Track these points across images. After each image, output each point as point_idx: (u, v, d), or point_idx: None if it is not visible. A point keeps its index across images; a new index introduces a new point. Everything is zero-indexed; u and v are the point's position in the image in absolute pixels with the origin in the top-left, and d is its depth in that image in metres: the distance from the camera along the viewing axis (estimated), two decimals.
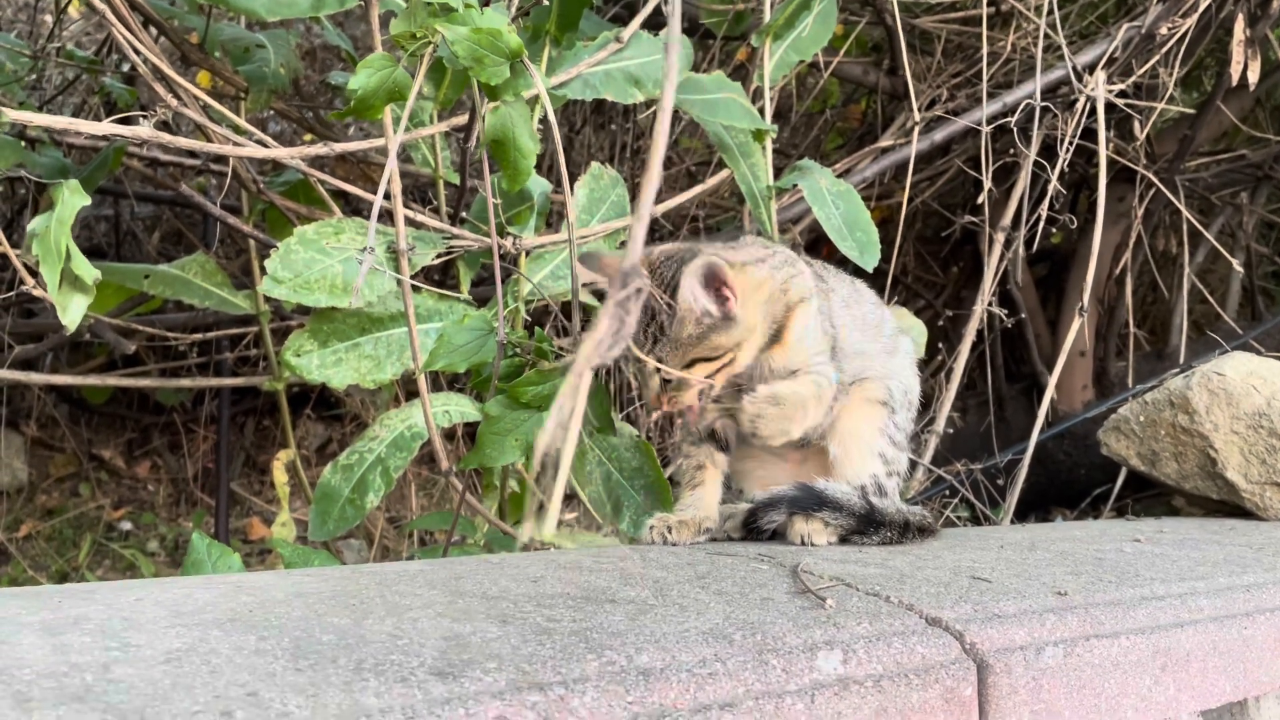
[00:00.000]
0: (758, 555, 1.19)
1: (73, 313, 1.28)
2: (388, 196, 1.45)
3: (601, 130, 3.62)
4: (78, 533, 3.61)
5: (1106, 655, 1.00)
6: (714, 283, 1.26)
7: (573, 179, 2.00)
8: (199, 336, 2.39)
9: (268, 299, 2.37)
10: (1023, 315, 3.65)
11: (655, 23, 1.99)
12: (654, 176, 0.64)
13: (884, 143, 2.99)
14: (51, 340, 2.53)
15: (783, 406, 1.30)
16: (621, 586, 0.99)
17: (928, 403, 2.84)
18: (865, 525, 1.33)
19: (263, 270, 1.68)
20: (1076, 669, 0.98)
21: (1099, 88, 2.51)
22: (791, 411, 1.31)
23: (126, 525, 3.70)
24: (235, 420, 3.96)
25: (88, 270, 1.25)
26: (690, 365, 1.28)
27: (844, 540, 1.32)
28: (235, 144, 1.52)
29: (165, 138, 1.36)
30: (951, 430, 3.08)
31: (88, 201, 1.23)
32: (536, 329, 1.44)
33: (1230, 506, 1.81)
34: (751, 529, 1.34)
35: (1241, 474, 1.75)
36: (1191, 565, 1.28)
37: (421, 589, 0.94)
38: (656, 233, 3.09)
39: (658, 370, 1.28)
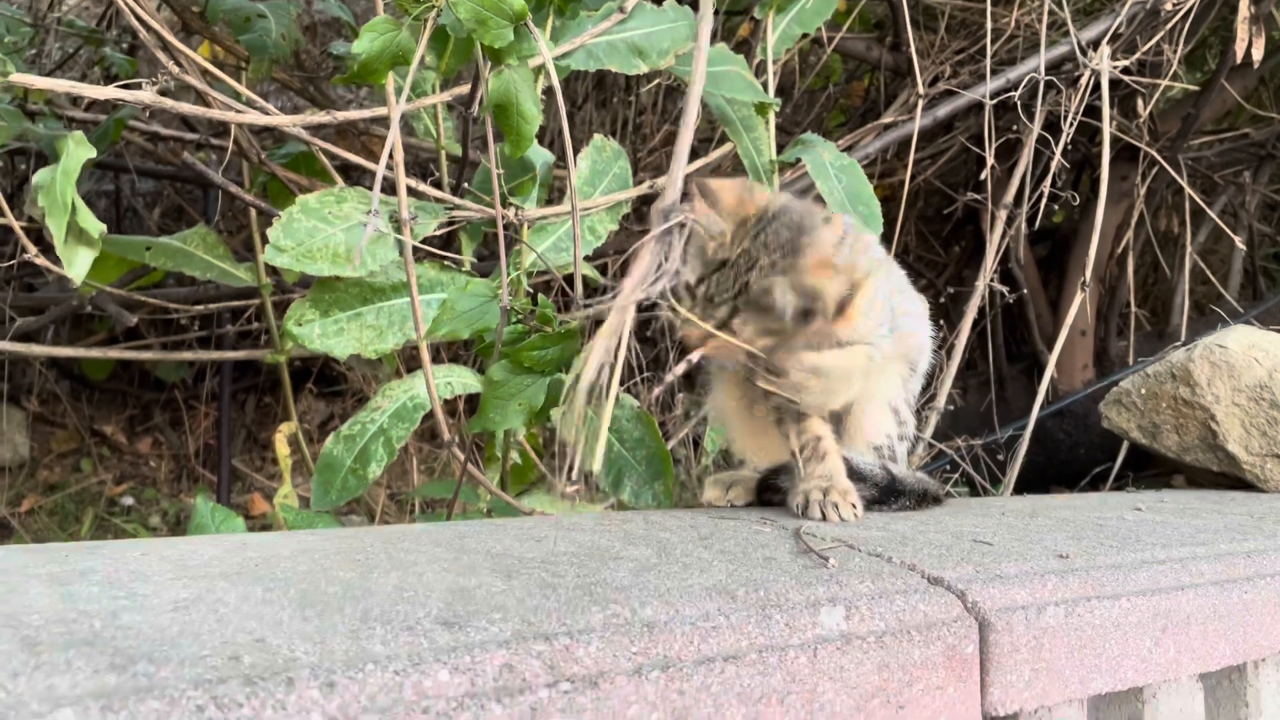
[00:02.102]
0: (760, 519, 1.19)
1: (79, 266, 1.27)
2: (390, 165, 1.45)
3: (603, 108, 3.60)
4: (79, 507, 3.62)
5: (1107, 616, 1.01)
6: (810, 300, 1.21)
7: (575, 153, 1.99)
8: (200, 309, 2.38)
9: (269, 270, 2.37)
10: (1024, 289, 3.64)
11: None
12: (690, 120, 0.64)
13: (887, 119, 2.99)
14: (53, 313, 2.53)
15: (827, 380, 1.26)
16: (625, 546, 0.99)
17: (929, 380, 2.85)
18: (886, 495, 1.34)
19: (264, 241, 1.68)
20: (1078, 629, 0.98)
21: (1103, 61, 2.50)
22: (836, 385, 1.28)
23: (128, 500, 3.71)
24: (236, 397, 3.96)
25: (93, 223, 1.25)
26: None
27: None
28: (236, 111, 1.52)
29: (167, 103, 1.36)
30: (952, 408, 3.08)
31: (93, 153, 1.22)
32: (540, 296, 1.43)
33: (1231, 479, 1.82)
34: (769, 488, 1.34)
35: (1242, 446, 1.76)
36: (1193, 532, 1.28)
37: (426, 547, 0.95)
38: (655, 196, 3.08)
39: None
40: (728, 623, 0.80)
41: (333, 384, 3.82)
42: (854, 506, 1.23)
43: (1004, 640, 0.92)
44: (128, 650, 0.63)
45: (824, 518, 1.20)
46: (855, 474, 1.32)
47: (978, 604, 0.93)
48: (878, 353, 1.32)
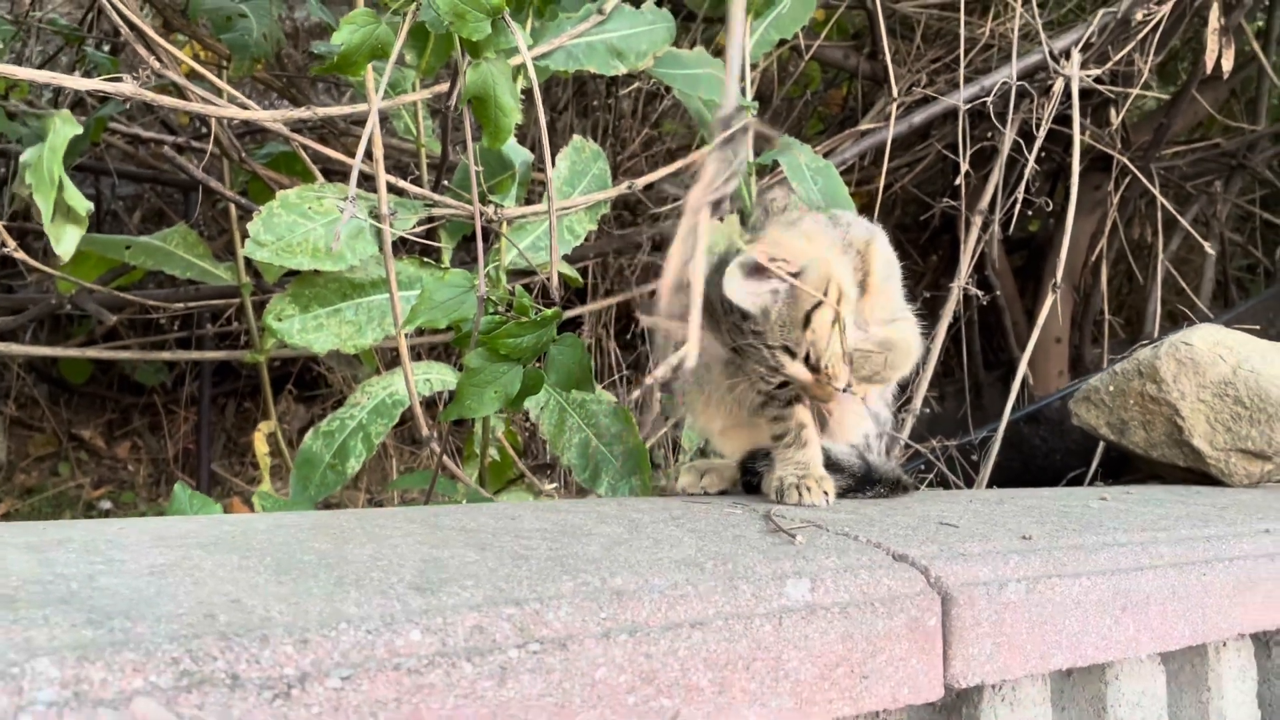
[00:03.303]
0: (732, 503, 1.21)
1: (66, 243, 1.29)
2: (370, 157, 1.47)
3: (584, 116, 3.64)
4: (57, 511, 3.60)
5: (1068, 594, 1.03)
6: (757, 274, 1.20)
7: (554, 154, 2.01)
8: (180, 306, 2.39)
9: (249, 271, 2.38)
10: (997, 292, 3.69)
11: None
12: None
13: (864, 126, 3.03)
14: (31, 312, 2.53)
15: (893, 353, 1.30)
16: (597, 524, 1.01)
17: (905, 384, 2.89)
18: (862, 485, 1.37)
19: (245, 238, 1.69)
20: (1038, 605, 1.00)
21: (1073, 68, 2.55)
22: (898, 359, 1.31)
23: (106, 505, 3.69)
24: (216, 402, 3.96)
25: (80, 201, 1.26)
26: (807, 324, 1.21)
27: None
28: (215, 105, 1.53)
29: (147, 95, 1.38)
30: (929, 411, 3.12)
31: (79, 130, 1.24)
32: (517, 287, 1.45)
33: (1197, 474, 1.85)
34: (748, 471, 1.36)
35: (1207, 441, 1.79)
36: (1154, 519, 1.31)
37: (401, 523, 0.96)
38: (639, 208, 3.11)
39: (790, 353, 1.21)
40: (695, 592, 0.82)
41: (313, 387, 3.82)
42: (826, 494, 1.25)
43: (966, 614, 0.95)
44: (104, 608, 0.65)
45: (798, 502, 1.23)
46: (833, 465, 1.35)
47: (941, 579, 0.96)
48: (915, 325, 1.36)
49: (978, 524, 1.16)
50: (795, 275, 1.20)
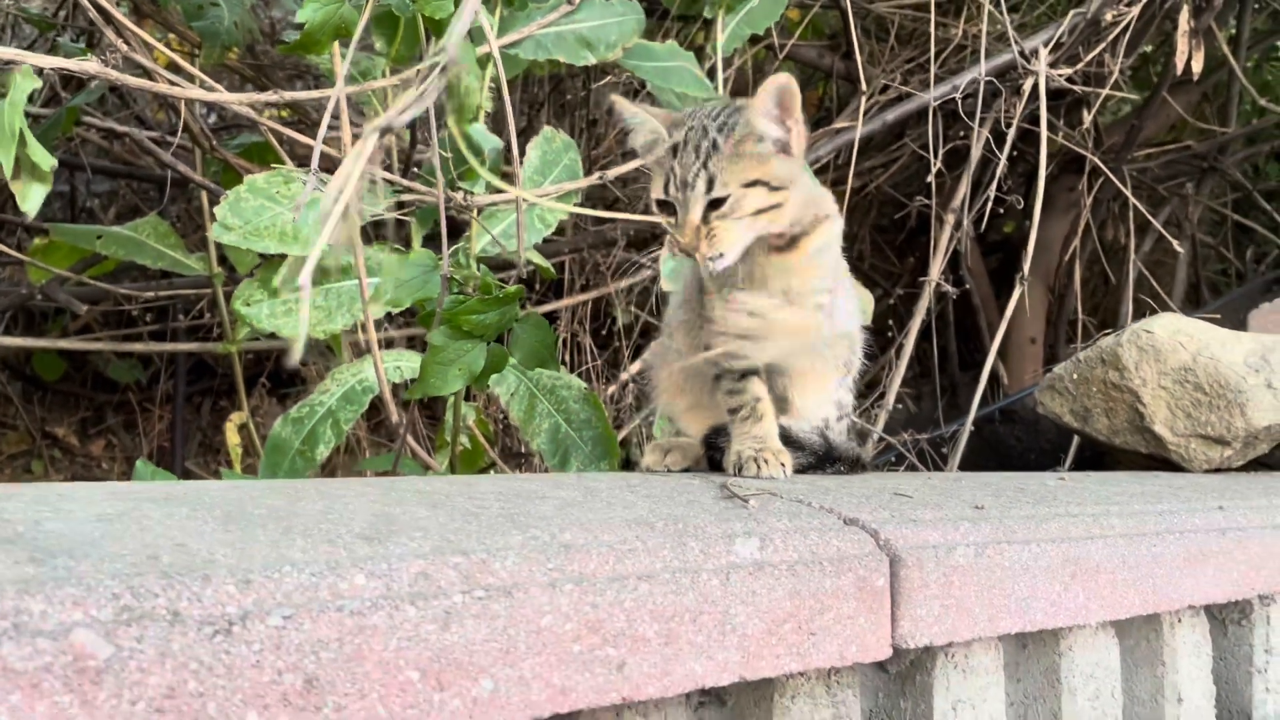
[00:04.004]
0: (691, 474, 1.22)
1: (31, 201, 1.29)
2: (335, 123, 1.47)
3: (560, 117, 3.66)
4: None
5: (1017, 559, 1.05)
6: (784, 103, 1.26)
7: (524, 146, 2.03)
8: (150, 296, 2.39)
9: (221, 262, 2.38)
10: (969, 285, 3.72)
11: None
12: None
13: (839, 124, 3.05)
14: (2, 303, 2.52)
15: (759, 320, 1.27)
16: (553, 489, 1.02)
17: (878, 380, 2.91)
18: (823, 463, 1.39)
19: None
20: (987, 569, 1.02)
21: (1041, 64, 2.58)
22: (765, 332, 1.27)
23: None
24: (191, 400, 3.94)
25: (44, 157, 1.27)
26: (745, 189, 1.23)
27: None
28: (182, 86, 1.54)
29: (112, 75, 1.38)
30: (901, 407, 3.15)
31: (38, 84, 1.25)
32: (482, 266, 1.46)
33: (1159, 460, 1.87)
34: (712, 446, 1.38)
35: (1168, 427, 1.81)
36: (1109, 495, 1.33)
37: (356, 486, 0.97)
38: (615, 205, 3.13)
39: (708, 189, 1.23)
40: (644, 547, 0.83)
41: (288, 384, 3.81)
42: (783, 465, 1.26)
43: (914, 575, 0.96)
44: (49, 548, 0.65)
45: (756, 474, 1.24)
46: (794, 442, 1.36)
47: (890, 541, 0.97)
48: (815, 320, 1.34)
49: (932, 495, 1.18)
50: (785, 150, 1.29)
